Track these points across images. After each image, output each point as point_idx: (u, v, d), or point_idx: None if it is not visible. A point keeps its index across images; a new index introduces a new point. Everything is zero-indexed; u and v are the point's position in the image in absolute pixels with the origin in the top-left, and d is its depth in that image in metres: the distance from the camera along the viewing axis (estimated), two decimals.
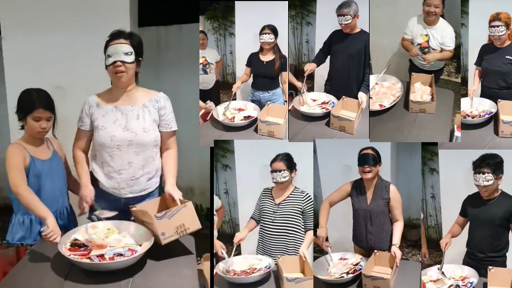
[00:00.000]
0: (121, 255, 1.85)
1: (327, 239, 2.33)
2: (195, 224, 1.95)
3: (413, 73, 2.41)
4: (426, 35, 2.31)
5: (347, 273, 2.19)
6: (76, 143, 2.30)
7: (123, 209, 2.20)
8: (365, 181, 2.34)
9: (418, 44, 2.28)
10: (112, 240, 1.95)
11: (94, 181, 2.27)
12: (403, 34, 2.32)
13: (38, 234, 2.17)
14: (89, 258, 1.83)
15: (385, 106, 2.29)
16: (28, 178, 2.16)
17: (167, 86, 2.51)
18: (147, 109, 2.22)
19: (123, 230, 2.03)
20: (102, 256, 1.84)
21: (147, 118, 2.21)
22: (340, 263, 2.28)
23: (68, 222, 2.29)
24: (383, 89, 2.35)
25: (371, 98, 2.29)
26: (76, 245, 1.92)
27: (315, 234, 2.35)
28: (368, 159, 2.30)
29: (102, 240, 1.93)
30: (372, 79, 2.30)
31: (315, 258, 2.36)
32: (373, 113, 2.30)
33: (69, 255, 1.82)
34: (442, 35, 2.28)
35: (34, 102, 2.16)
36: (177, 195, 2.07)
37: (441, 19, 2.29)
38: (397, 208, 2.31)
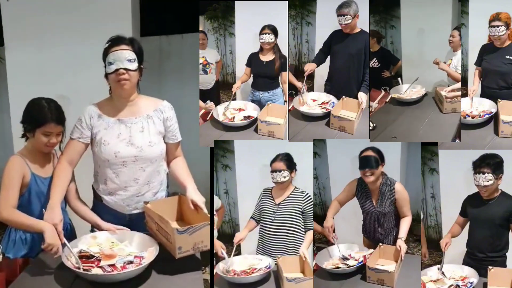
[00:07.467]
0: (131, 262, 1.83)
1: (333, 231, 2.31)
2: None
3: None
4: (451, 58, 2.54)
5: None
6: (66, 154, 2.08)
7: (129, 224, 2.12)
8: (369, 184, 2.32)
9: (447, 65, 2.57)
10: (118, 250, 1.93)
11: (97, 196, 2.18)
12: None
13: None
14: (101, 268, 1.80)
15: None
16: (30, 196, 2.04)
17: (170, 95, 2.51)
18: (151, 120, 2.11)
19: (125, 239, 2.01)
20: (113, 265, 1.81)
21: (152, 131, 2.10)
22: None
23: (69, 240, 2.21)
24: (412, 92, 2.60)
25: (403, 95, 2.60)
26: (84, 257, 1.88)
27: (315, 233, 2.36)
28: (369, 161, 2.27)
29: (110, 250, 1.91)
30: (404, 87, 2.61)
31: (319, 248, 2.36)
32: (404, 103, 2.58)
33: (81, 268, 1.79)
34: (457, 59, 2.52)
35: (46, 116, 1.98)
36: (201, 200, 2.00)
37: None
38: (405, 205, 2.29)
